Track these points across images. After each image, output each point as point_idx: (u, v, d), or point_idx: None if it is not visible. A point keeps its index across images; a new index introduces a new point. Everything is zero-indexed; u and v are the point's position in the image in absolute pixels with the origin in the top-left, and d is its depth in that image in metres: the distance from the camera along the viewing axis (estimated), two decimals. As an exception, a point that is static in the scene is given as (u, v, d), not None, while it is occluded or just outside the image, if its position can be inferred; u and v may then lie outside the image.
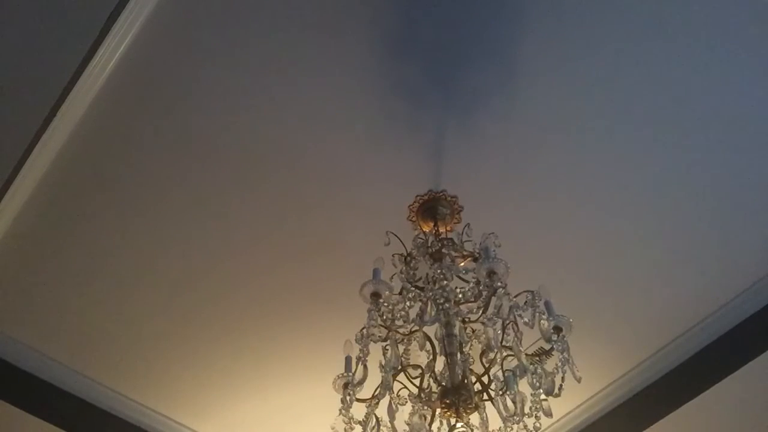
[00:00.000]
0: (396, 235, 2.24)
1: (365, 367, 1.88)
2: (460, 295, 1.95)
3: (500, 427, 1.76)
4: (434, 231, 2.31)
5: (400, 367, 1.94)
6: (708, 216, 2.43)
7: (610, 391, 3.03)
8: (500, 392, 1.77)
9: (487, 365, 1.89)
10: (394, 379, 1.89)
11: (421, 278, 2.09)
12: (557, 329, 1.90)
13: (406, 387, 1.94)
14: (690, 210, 2.41)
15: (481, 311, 1.92)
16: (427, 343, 1.99)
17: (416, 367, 1.97)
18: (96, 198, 2.37)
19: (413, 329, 1.99)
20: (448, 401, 1.75)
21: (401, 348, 1.99)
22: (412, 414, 1.88)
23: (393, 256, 2.18)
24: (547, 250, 2.53)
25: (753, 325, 2.66)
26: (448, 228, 2.36)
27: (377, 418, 1.89)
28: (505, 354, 1.87)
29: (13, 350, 2.77)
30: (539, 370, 1.80)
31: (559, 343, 1.86)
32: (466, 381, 1.76)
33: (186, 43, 2.03)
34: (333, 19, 1.98)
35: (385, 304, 1.95)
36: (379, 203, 2.39)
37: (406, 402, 1.91)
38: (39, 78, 2.05)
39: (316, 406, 3.00)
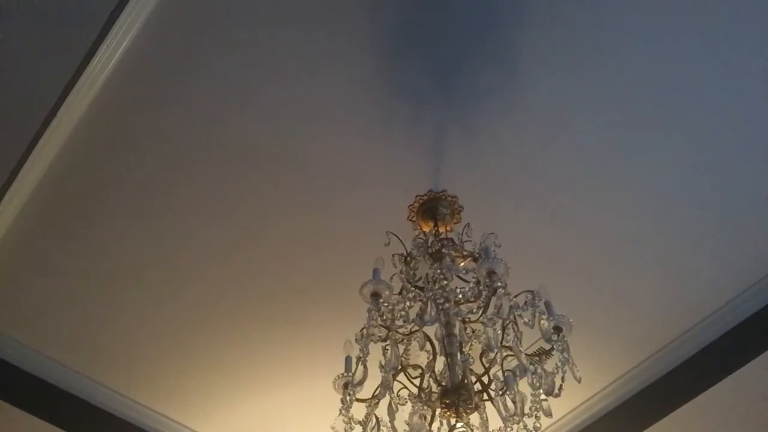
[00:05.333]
0: (396, 235, 2.24)
1: (365, 367, 1.88)
2: (460, 295, 1.95)
3: (500, 427, 1.76)
4: (434, 231, 2.31)
5: (400, 367, 1.94)
6: (708, 216, 2.42)
7: (610, 391, 3.02)
8: (500, 392, 1.77)
9: (487, 365, 1.89)
10: (394, 379, 1.89)
11: (421, 278, 2.08)
12: (557, 329, 1.90)
13: (406, 387, 1.94)
14: (690, 210, 2.41)
15: (481, 311, 1.92)
16: (427, 343, 1.99)
17: (416, 367, 1.97)
18: (96, 198, 2.37)
19: (413, 329, 1.99)
20: (448, 401, 1.75)
21: (401, 348, 1.99)
22: (412, 414, 1.88)
23: (393, 256, 2.18)
24: (547, 250, 2.53)
25: (753, 325, 2.66)
26: (448, 228, 2.36)
27: (377, 418, 1.89)
28: (505, 354, 1.87)
29: (14, 350, 2.77)
30: (539, 370, 1.80)
31: (559, 343, 1.86)
32: (466, 381, 1.76)
33: (186, 43, 2.03)
34: (333, 19, 1.98)
35: (385, 304, 1.95)
36: (379, 203, 2.39)
37: (406, 402, 1.91)
38: (39, 78, 2.05)
39: (316, 406, 3.00)
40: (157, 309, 2.70)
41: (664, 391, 2.86)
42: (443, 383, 1.82)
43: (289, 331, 2.79)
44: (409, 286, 2.04)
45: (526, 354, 1.81)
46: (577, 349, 1.94)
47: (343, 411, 1.87)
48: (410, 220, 2.40)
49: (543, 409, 1.81)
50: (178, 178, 2.33)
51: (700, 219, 2.43)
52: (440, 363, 1.91)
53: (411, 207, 2.38)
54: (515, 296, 1.86)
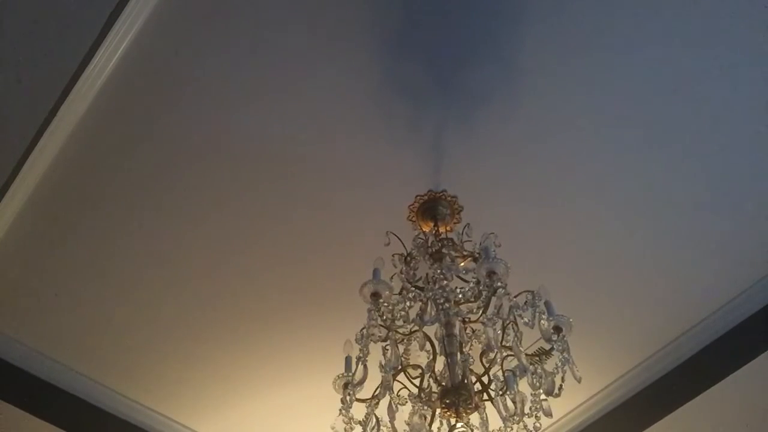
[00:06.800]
0: (396, 235, 2.24)
1: (365, 367, 1.88)
2: (460, 295, 1.95)
3: (500, 427, 1.76)
4: (434, 231, 2.31)
5: (400, 367, 1.94)
6: (708, 216, 2.43)
7: (610, 391, 3.03)
8: (500, 392, 1.77)
9: (487, 365, 1.89)
10: (394, 379, 1.89)
11: (421, 278, 2.09)
12: (557, 329, 1.90)
13: (406, 387, 1.94)
14: (689, 210, 2.41)
15: (481, 311, 1.92)
16: (427, 343, 1.99)
17: (416, 367, 1.97)
18: (95, 198, 2.37)
19: (413, 329, 1.99)
20: (448, 401, 1.75)
21: (401, 348, 1.99)
22: (412, 414, 1.88)
23: (393, 256, 2.18)
24: (547, 249, 2.53)
25: (753, 325, 2.66)
26: (448, 228, 2.36)
27: (377, 418, 1.89)
28: (505, 354, 1.87)
29: (14, 350, 2.77)
30: (539, 370, 1.81)
31: (559, 343, 1.86)
32: (466, 381, 1.76)
33: (186, 43, 2.03)
34: (333, 19, 1.98)
35: (385, 304, 1.95)
36: (379, 203, 2.39)
37: (406, 402, 1.91)
38: (39, 78, 2.05)
39: (316, 406, 3.00)
40: (158, 309, 2.69)
41: (664, 391, 2.86)
42: (443, 383, 1.82)
43: (289, 330, 2.79)
44: (409, 286, 2.04)
45: (526, 354, 1.81)
46: (577, 349, 1.94)
47: (343, 411, 1.87)
48: (410, 220, 2.40)
49: (543, 409, 1.81)
50: (178, 180, 2.33)
51: (700, 219, 2.43)
52: (440, 363, 1.90)
53: (411, 207, 2.38)
54: (515, 296, 1.86)
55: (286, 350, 2.86)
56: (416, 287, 2.04)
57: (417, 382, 1.93)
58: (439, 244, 2.16)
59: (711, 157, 2.28)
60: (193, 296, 2.66)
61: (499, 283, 1.84)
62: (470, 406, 1.74)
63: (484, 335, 1.88)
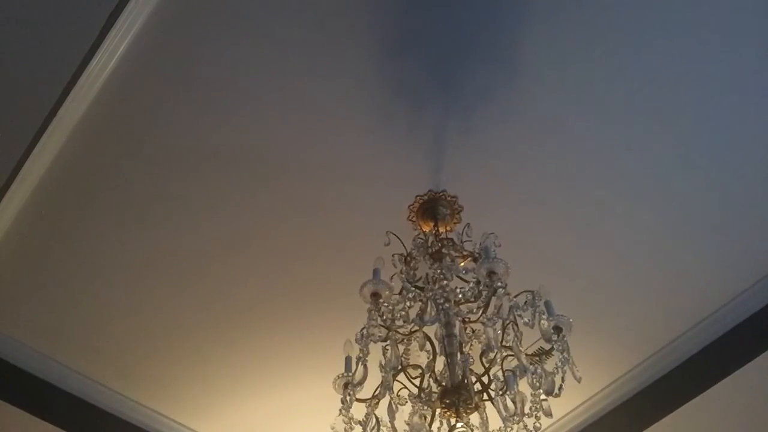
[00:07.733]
0: (396, 235, 2.24)
1: (365, 367, 1.88)
2: (460, 295, 1.95)
3: (500, 427, 1.76)
4: (434, 231, 2.31)
5: (400, 367, 1.93)
6: (708, 216, 2.43)
7: (610, 391, 3.03)
8: (500, 392, 1.76)
9: (487, 365, 1.89)
10: (394, 379, 1.89)
11: (421, 278, 2.08)
12: (557, 329, 1.90)
13: (406, 387, 1.94)
14: (690, 210, 2.41)
15: (481, 311, 1.92)
16: (427, 343, 1.99)
17: (416, 367, 1.97)
18: (95, 198, 2.37)
19: (413, 329, 1.99)
20: (448, 401, 1.75)
21: (401, 348, 1.99)
22: (412, 414, 1.88)
23: (393, 256, 2.18)
24: (547, 250, 2.53)
25: (753, 325, 2.66)
26: (448, 228, 2.36)
27: (377, 418, 1.89)
28: (505, 354, 1.87)
29: (13, 350, 2.77)
30: (539, 370, 1.80)
31: (559, 343, 1.86)
32: (466, 381, 1.76)
33: (186, 43, 2.03)
34: (333, 19, 1.98)
35: (385, 304, 1.95)
36: (379, 203, 2.39)
37: (406, 402, 1.91)
38: (39, 78, 2.05)
39: (316, 406, 3.00)
40: (158, 309, 2.69)
41: (663, 392, 2.86)
42: (443, 383, 1.82)
43: (289, 331, 2.79)
44: (409, 286, 2.04)
45: (526, 354, 1.81)
46: (577, 349, 1.94)
47: (343, 411, 1.87)
48: (410, 220, 2.40)
49: (543, 409, 1.81)
50: (179, 179, 2.33)
51: (700, 219, 2.44)
52: (440, 363, 1.91)
53: (411, 207, 2.38)
54: (515, 296, 1.86)
55: (286, 350, 2.86)
56: (416, 287, 2.04)
57: (417, 382, 1.93)
58: (439, 244, 2.16)
59: (713, 158, 2.28)
60: (194, 296, 2.66)
61: (499, 283, 1.84)
62: (470, 406, 1.74)
63: (484, 335, 1.88)
